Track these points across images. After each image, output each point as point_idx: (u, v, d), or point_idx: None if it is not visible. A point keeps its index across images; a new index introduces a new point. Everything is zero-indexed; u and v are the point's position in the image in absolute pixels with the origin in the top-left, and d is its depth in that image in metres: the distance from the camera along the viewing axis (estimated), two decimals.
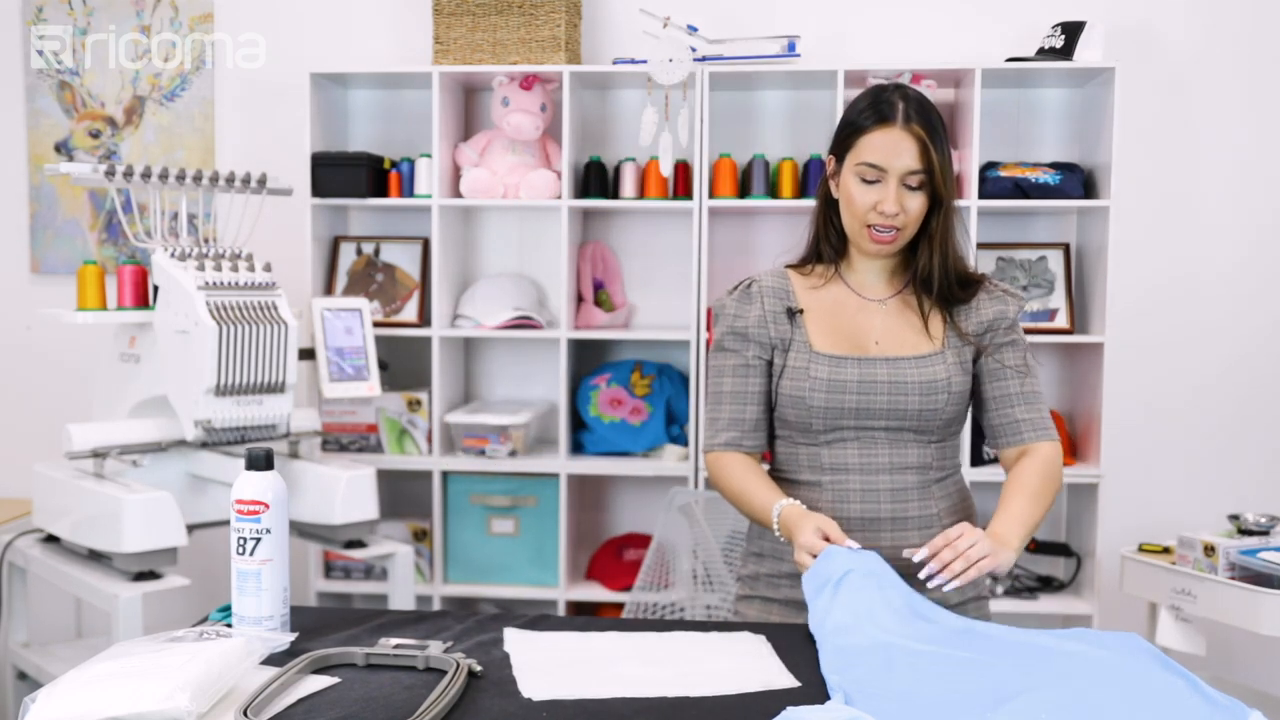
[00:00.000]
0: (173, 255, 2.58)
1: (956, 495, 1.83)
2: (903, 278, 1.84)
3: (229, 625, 1.48)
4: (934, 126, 1.72)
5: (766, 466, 1.90)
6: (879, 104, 1.73)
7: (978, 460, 3.11)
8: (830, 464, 1.78)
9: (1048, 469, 1.76)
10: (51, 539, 2.72)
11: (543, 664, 1.40)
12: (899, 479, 1.76)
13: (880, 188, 1.71)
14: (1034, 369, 1.82)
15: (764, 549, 1.86)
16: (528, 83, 3.16)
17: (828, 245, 1.84)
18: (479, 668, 1.36)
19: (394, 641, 1.44)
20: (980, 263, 3.19)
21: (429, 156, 3.21)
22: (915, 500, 1.76)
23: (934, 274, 1.77)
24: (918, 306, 1.81)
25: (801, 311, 1.80)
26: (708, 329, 3.11)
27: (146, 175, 2.63)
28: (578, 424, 3.30)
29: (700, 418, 3.12)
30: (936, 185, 1.71)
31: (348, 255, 3.40)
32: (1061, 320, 3.17)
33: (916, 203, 1.72)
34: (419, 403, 3.28)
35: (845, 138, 1.76)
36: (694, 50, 3.06)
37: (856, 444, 1.77)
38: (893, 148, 1.70)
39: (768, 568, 1.84)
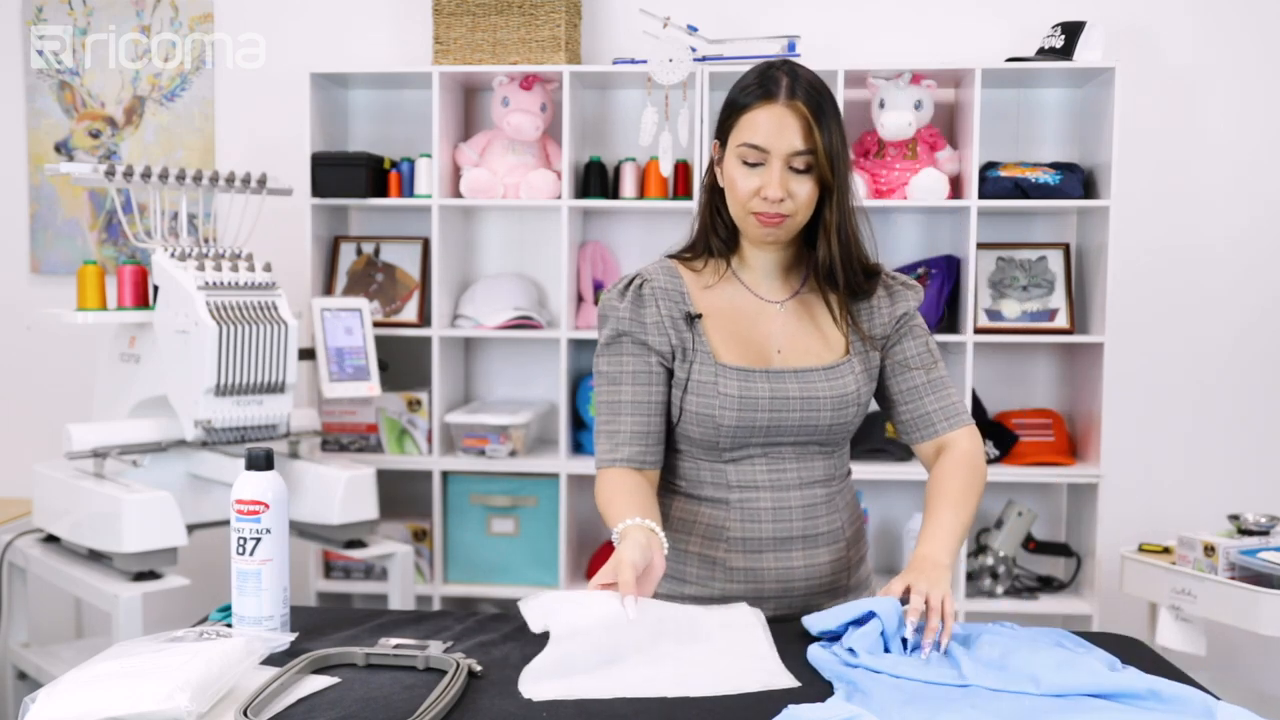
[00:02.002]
0: (173, 255, 2.58)
1: (851, 503, 1.75)
2: (799, 276, 1.71)
3: (229, 625, 1.48)
4: (821, 105, 1.57)
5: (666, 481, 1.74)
6: (763, 80, 1.58)
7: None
8: (738, 482, 1.65)
9: (968, 463, 1.65)
10: (51, 539, 2.72)
11: (552, 658, 1.38)
12: (808, 494, 1.66)
13: (764, 171, 1.57)
14: (937, 356, 1.70)
15: (669, 570, 1.69)
16: (528, 83, 3.16)
17: (716, 238, 1.69)
18: (479, 668, 1.36)
19: (394, 641, 1.44)
20: (980, 262, 3.19)
21: (429, 156, 3.21)
22: (824, 515, 1.67)
23: (835, 267, 1.64)
24: (822, 305, 1.69)
25: (700, 317, 1.65)
26: None
27: (146, 175, 2.64)
28: (578, 424, 3.30)
29: None
30: (822, 168, 1.57)
31: (348, 255, 3.40)
32: (1061, 320, 3.17)
33: (805, 188, 1.58)
34: (419, 403, 3.28)
35: (726, 118, 1.62)
36: (694, 50, 3.05)
37: (764, 460, 1.65)
38: (775, 126, 1.55)
39: (665, 589, 1.69)
